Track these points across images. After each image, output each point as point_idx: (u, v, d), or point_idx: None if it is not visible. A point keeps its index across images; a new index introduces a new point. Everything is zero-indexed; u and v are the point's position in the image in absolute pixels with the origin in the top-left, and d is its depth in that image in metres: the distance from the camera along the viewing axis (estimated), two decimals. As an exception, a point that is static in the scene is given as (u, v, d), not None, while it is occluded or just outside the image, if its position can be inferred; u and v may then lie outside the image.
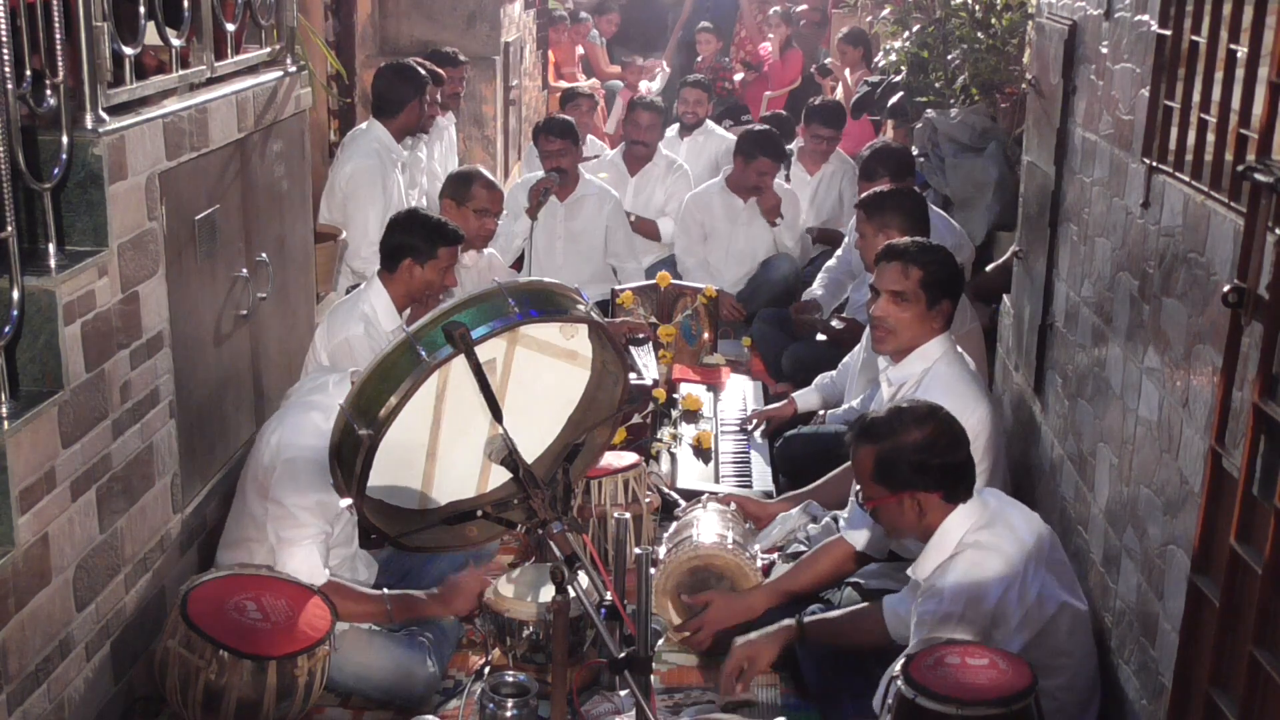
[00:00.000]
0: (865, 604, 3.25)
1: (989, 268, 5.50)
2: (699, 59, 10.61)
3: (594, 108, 7.84)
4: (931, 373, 3.58)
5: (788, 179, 6.94)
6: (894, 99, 7.12)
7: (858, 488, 3.04)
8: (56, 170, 2.86)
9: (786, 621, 3.22)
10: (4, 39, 2.60)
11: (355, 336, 3.89)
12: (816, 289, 5.68)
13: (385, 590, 3.40)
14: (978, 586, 2.80)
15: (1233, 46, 2.52)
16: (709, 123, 8.08)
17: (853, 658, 3.22)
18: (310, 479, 3.21)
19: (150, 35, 3.28)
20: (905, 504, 2.91)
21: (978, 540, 2.86)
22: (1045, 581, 2.86)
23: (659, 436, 4.70)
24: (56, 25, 2.81)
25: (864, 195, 4.66)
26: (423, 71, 5.78)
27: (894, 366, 3.67)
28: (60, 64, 2.83)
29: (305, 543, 3.26)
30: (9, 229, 2.63)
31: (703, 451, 4.68)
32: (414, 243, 3.95)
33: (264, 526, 3.30)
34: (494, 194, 4.97)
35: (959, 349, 3.73)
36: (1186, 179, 2.76)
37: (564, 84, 10.07)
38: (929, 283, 3.59)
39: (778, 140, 6.35)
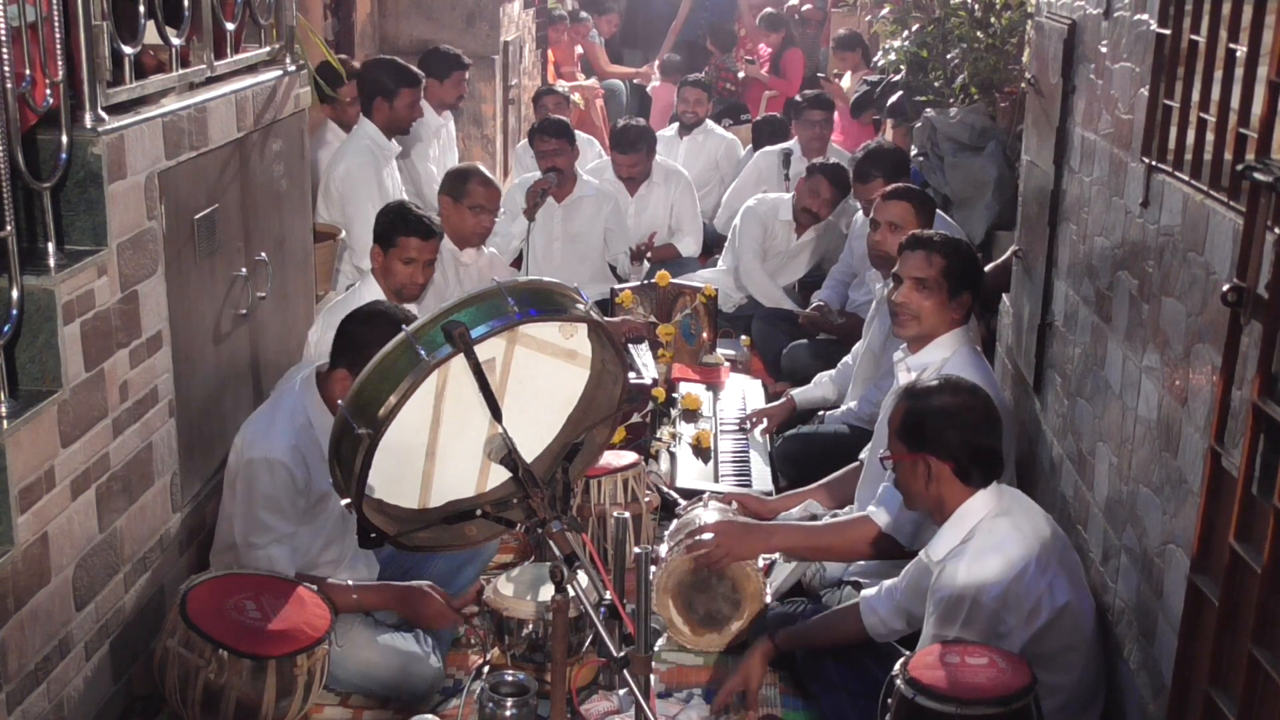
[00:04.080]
0: (841, 607, 3.31)
1: (988, 267, 5.49)
2: (712, 55, 10.54)
3: (560, 103, 7.63)
4: (950, 362, 3.61)
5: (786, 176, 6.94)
6: (893, 98, 7.11)
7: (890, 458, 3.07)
8: (56, 170, 2.86)
9: (762, 641, 3.32)
10: (4, 38, 2.60)
11: None
12: (824, 292, 5.69)
13: (350, 581, 3.40)
14: (992, 570, 2.81)
15: (1232, 46, 2.52)
16: (708, 122, 8.07)
17: (853, 658, 3.22)
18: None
19: (150, 34, 3.28)
20: (918, 467, 2.95)
21: (994, 526, 2.89)
22: (1056, 573, 2.87)
23: (658, 436, 4.71)
24: (56, 24, 2.81)
25: (884, 191, 4.54)
26: (413, 68, 5.76)
27: (912, 355, 3.69)
28: (59, 63, 2.83)
29: (269, 546, 3.25)
30: (8, 228, 2.62)
31: (702, 451, 4.68)
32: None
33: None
34: (491, 191, 4.96)
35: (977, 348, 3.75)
36: (1186, 178, 2.76)
37: (564, 83, 10.06)
38: (951, 272, 3.65)
39: (846, 176, 5.95)
